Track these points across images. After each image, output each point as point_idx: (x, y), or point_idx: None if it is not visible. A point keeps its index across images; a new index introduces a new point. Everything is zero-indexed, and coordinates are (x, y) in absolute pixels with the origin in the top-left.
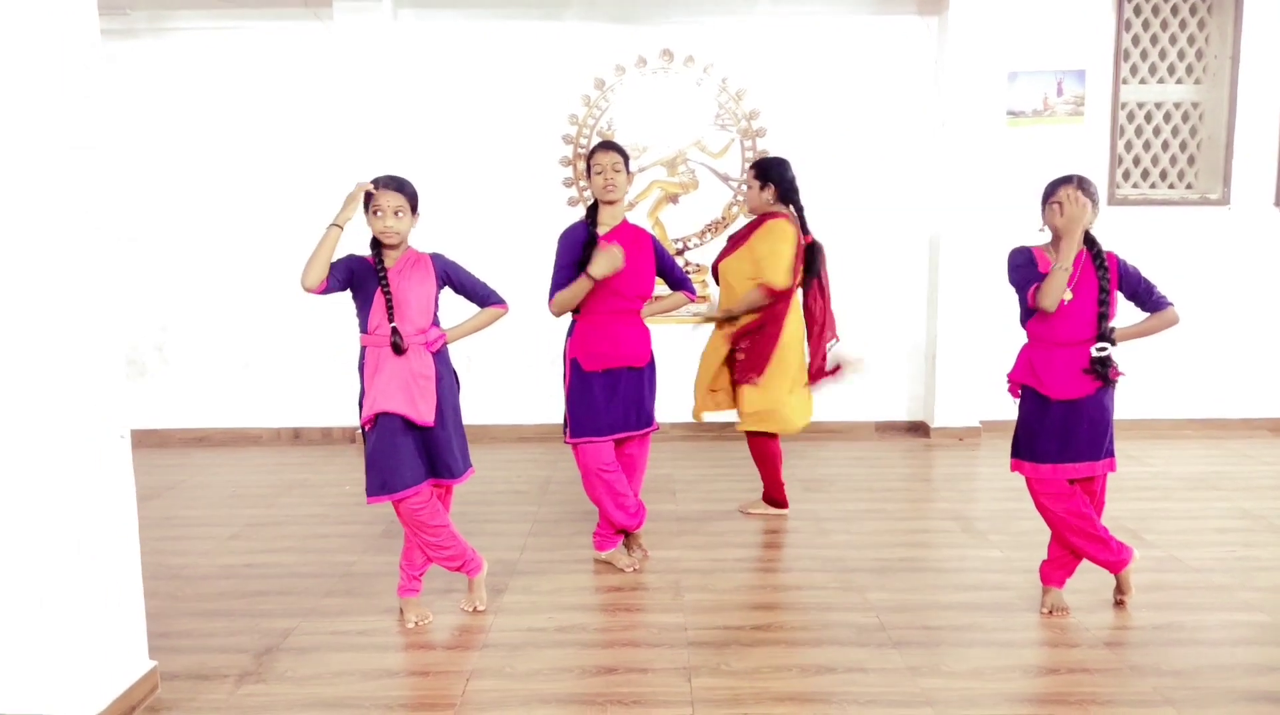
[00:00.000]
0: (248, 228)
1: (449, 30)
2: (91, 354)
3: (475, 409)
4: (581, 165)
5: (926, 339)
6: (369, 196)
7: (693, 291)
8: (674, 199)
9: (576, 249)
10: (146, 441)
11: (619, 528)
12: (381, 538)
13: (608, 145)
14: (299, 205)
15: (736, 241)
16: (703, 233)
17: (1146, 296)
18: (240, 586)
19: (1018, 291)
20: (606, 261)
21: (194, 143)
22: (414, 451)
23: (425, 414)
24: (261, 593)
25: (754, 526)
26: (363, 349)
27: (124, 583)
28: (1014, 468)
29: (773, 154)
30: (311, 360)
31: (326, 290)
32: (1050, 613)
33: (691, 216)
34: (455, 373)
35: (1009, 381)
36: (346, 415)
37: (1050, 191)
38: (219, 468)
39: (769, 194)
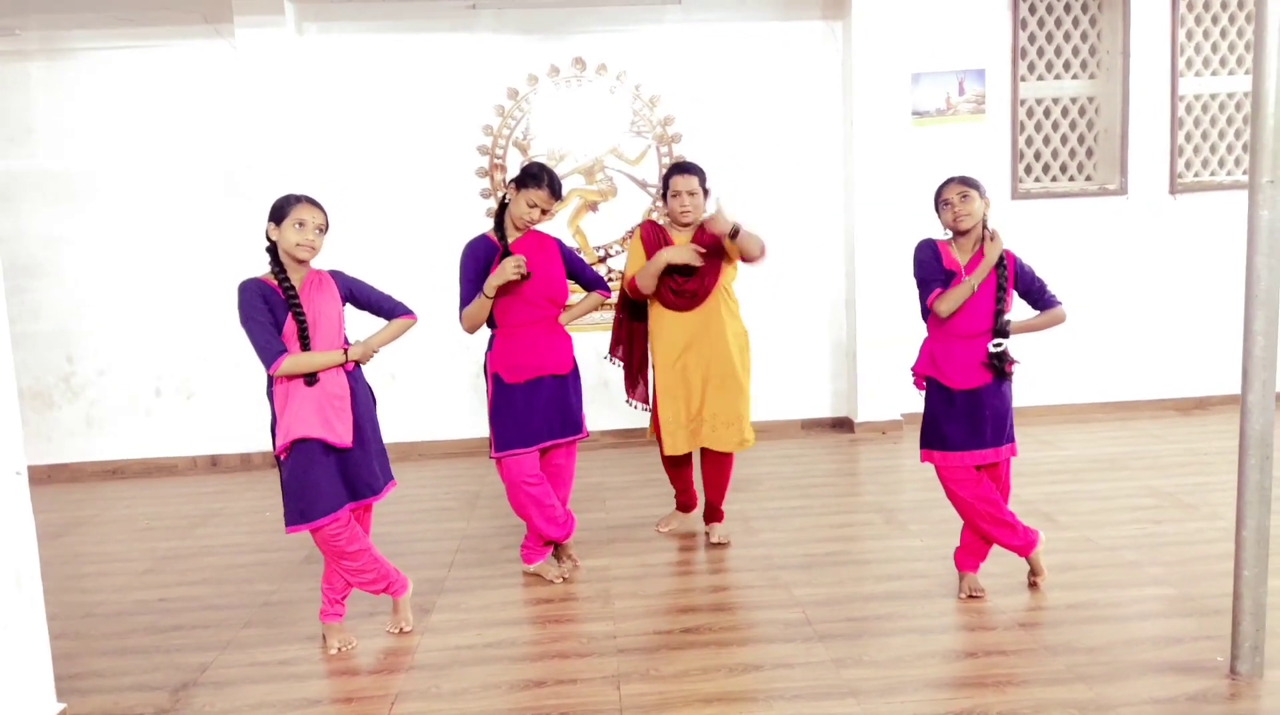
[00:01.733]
0: (154, 251)
1: (356, 44)
2: None
3: (400, 426)
4: (499, 176)
5: (847, 336)
6: (288, 207)
7: (606, 290)
8: (593, 207)
9: (480, 263)
10: (56, 477)
11: (547, 539)
12: (302, 564)
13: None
14: (206, 226)
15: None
16: (624, 239)
17: (1039, 295)
18: (154, 622)
19: (919, 286)
20: (499, 274)
21: (94, 166)
22: (334, 476)
23: (343, 435)
24: (177, 627)
25: (684, 531)
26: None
27: (26, 623)
28: (924, 458)
29: (677, 159)
30: (226, 385)
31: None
32: (967, 597)
33: (612, 224)
34: (369, 387)
35: (913, 374)
36: (265, 439)
37: (937, 193)
38: (133, 500)
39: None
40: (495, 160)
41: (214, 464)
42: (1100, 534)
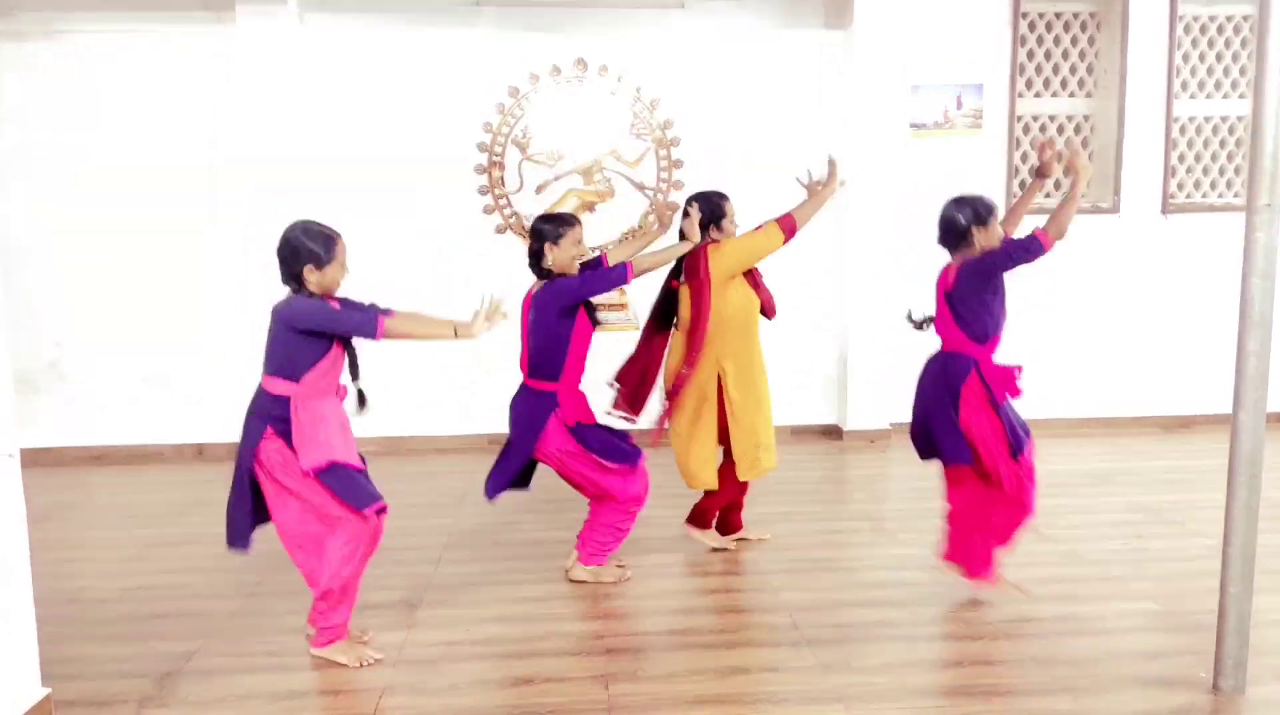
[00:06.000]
0: (145, 238)
1: (358, 35)
2: None
3: (391, 421)
4: (498, 173)
5: (838, 344)
6: (334, 248)
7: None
8: (590, 207)
9: None
10: (41, 461)
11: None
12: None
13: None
14: (200, 215)
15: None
16: (620, 241)
17: (1010, 246)
18: (139, 609)
19: (1011, 262)
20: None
21: (87, 150)
22: None
23: (357, 461)
24: (162, 615)
25: (672, 534)
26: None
27: (13, 607)
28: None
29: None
30: (213, 373)
31: None
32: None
33: (608, 225)
34: None
35: None
36: None
37: None
38: (118, 487)
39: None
40: (494, 158)
41: (199, 453)
42: (1087, 548)
